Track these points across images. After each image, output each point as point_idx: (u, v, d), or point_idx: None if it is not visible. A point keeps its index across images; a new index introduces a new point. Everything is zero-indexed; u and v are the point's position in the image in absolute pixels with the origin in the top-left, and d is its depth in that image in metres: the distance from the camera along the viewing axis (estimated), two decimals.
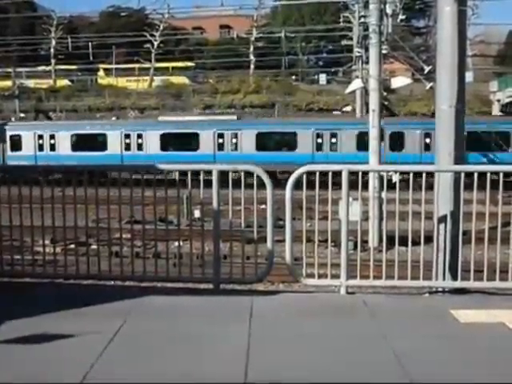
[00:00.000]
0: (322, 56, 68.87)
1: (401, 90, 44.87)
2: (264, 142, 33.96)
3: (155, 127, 35.69)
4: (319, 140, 33.69)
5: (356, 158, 29.87)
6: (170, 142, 34.81)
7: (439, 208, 6.48)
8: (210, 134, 34.35)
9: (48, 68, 62.69)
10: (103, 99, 54.70)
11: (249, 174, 6.54)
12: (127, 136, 35.46)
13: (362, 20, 26.35)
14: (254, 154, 31.86)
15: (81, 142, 35.77)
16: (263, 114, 46.77)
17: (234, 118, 37.15)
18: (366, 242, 8.68)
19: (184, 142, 34.36)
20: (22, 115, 51.22)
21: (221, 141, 34.41)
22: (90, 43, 61.23)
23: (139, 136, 35.35)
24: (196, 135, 34.63)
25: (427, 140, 31.39)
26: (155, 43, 61.25)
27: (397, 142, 32.63)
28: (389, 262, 6.47)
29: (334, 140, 33.60)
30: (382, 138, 32.67)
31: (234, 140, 34.33)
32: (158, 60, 61.07)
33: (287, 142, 34.04)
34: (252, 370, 4.41)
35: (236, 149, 34.14)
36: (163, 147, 34.57)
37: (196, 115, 44.02)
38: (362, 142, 32.04)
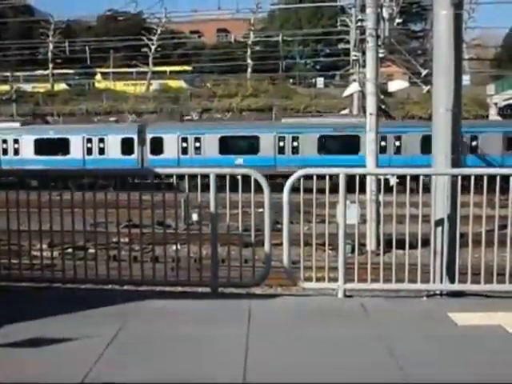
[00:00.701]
0: (319, 59, 69.01)
1: (398, 94, 44.95)
2: (42, 147, 36.62)
3: None
4: (89, 145, 36.52)
5: (121, 162, 33.03)
6: None
7: (436, 211, 6.50)
8: None
9: (46, 72, 62.75)
10: (101, 103, 54.72)
11: (246, 177, 6.56)
12: None
13: (359, 24, 26.40)
14: (33, 159, 34.91)
15: None
16: (262, 118, 46.87)
17: (17, 125, 39.95)
18: (364, 245, 8.69)
19: None
20: (20, 119, 51.16)
21: (5, 146, 37.53)
22: (87, 47, 61.31)
23: None
24: None
25: (184, 144, 35.08)
26: (153, 47, 61.31)
27: (157, 146, 35.38)
28: (386, 265, 6.48)
29: (101, 145, 36.36)
30: (144, 142, 35.21)
31: (16, 145, 37.42)
32: (155, 64, 61.12)
33: (61, 146, 36.61)
34: (250, 372, 4.42)
35: (17, 153, 37.10)
36: None
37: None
38: (127, 147, 35.43)
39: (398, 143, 34.08)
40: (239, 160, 32.51)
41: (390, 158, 32.05)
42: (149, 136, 35.76)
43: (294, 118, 39.15)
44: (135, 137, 35.90)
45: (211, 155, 33.97)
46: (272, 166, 31.57)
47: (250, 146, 34.64)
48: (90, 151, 36.18)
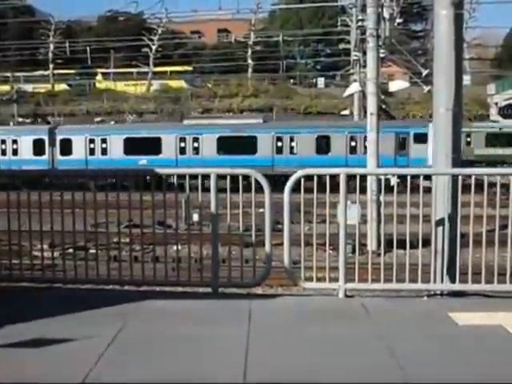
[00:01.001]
0: (319, 59, 69.02)
1: (399, 94, 44.99)
2: None
3: None
4: (3, 146, 38.27)
5: (33, 162, 34.50)
6: None
7: (437, 211, 6.49)
8: None
9: (46, 72, 62.84)
10: (101, 103, 54.77)
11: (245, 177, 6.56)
12: None
13: (360, 24, 26.40)
14: None
15: None
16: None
17: None
18: (365, 245, 8.67)
19: None
20: (21, 120, 51.28)
21: None
22: (88, 47, 61.36)
23: None
24: None
25: (91, 145, 36.88)
26: (153, 47, 61.38)
27: (66, 147, 37.20)
28: (387, 265, 6.48)
29: (15, 146, 38.14)
30: (54, 143, 36.89)
31: None
32: (156, 64, 61.16)
33: None
34: (251, 372, 4.42)
35: None
36: None
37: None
38: (38, 148, 37.07)
39: (293, 144, 35.22)
40: (143, 161, 33.55)
41: (287, 157, 33.54)
42: (59, 137, 37.19)
43: (195, 119, 40.76)
44: (46, 138, 37.25)
45: (116, 156, 35.39)
46: (174, 166, 32.05)
47: (153, 147, 35.62)
48: (4, 152, 37.75)
